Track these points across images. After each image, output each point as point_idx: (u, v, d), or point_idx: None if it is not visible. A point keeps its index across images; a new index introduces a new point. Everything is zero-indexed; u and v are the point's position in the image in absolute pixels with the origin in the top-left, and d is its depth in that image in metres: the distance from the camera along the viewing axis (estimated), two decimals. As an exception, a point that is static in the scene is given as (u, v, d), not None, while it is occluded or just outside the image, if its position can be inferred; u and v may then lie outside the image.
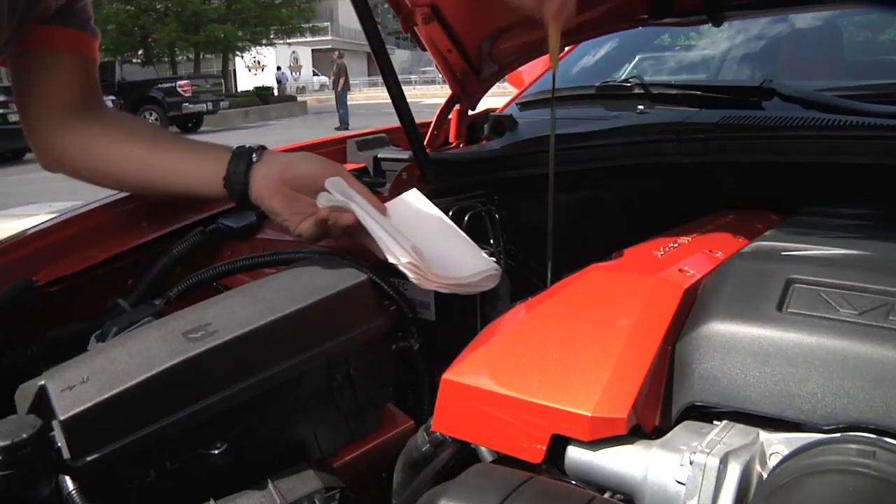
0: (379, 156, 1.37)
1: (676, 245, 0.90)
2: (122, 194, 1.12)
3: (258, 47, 26.60)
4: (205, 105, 18.64)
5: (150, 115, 17.87)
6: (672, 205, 1.24)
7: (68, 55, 1.04)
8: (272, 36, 26.03)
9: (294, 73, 36.45)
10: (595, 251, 0.95)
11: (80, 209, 1.09)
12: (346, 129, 16.78)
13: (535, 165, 1.23)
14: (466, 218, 1.12)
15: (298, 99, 27.72)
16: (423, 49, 1.59)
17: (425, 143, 1.58)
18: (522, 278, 1.18)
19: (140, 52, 23.71)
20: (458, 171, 1.25)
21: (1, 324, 0.85)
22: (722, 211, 1.10)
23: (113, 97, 16.08)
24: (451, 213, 1.08)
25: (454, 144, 1.69)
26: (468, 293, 0.91)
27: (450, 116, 1.67)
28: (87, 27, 1.07)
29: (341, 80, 17.22)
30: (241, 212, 1.12)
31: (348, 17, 47.59)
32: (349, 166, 1.42)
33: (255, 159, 0.96)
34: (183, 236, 1.06)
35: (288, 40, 27.86)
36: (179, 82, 18.49)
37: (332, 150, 1.46)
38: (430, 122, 1.66)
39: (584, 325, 0.72)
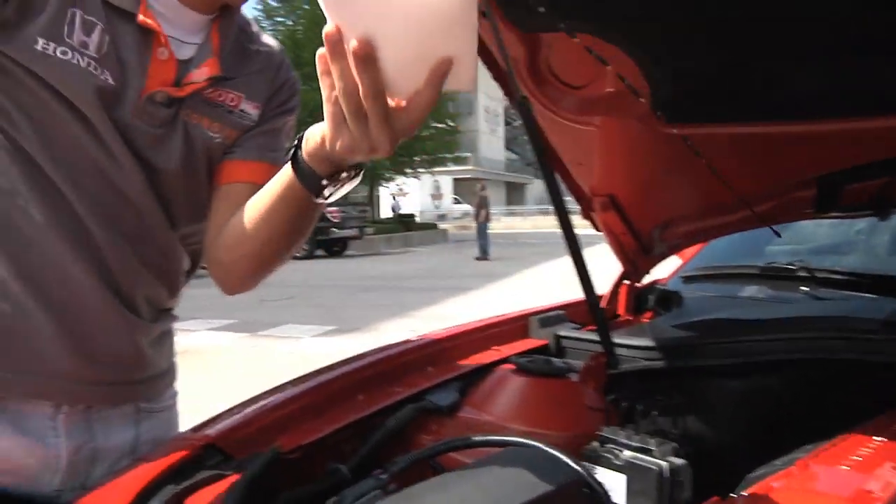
0: (560, 334, 1.49)
1: (861, 457, 0.95)
2: (338, 372, 1.28)
3: (403, 177, 27.88)
4: (351, 231, 19.62)
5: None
6: (846, 397, 1.29)
7: (245, 185, 1.11)
8: (417, 167, 27.22)
9: (435, 202, 37.87)
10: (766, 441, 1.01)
11: (302, 386, 1.25)
12: (487, 258, 17.16)
13: (718, 356, 1.31)
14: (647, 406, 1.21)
15: (439, 227, 28.66)
16: (598, 230, 1.73)
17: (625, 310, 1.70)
18: (703, 466, 1.25)
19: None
20: (642, 357, 1.34)
21: (252, 491, 1.00)
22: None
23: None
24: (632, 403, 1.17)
25: (622, 318, 1.80)
26: None
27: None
28: (266, 157, 1.15)
29: (483, 212, 17.75)
30: (446, 390, 1.25)
31: (488, 148, 49.34)
32: (532, 342, 1.55)
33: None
34: (394, 410, 1.20)
35: (432, 170, 29.06)
36: (329, 208, 19.59)
37: (514, 327, 1.59)
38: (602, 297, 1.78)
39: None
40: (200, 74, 1.07)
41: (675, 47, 1.29)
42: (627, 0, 1.26)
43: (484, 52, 1.37)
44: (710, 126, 1.36)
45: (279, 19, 25.44)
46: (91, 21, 1.00)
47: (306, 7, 24.27)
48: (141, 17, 1.02)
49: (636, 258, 1.69)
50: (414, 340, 1.46)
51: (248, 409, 1.16)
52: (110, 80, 1.01)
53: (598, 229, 1.71)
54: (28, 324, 1.03)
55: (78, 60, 0.98)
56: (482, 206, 17.99)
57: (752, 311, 1.52)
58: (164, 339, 1.22)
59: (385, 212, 32.14)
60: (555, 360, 1.29)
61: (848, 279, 1.56)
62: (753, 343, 1.34)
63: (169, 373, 1.25)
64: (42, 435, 1.08)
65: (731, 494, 0.76)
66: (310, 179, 0.89)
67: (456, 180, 41.22)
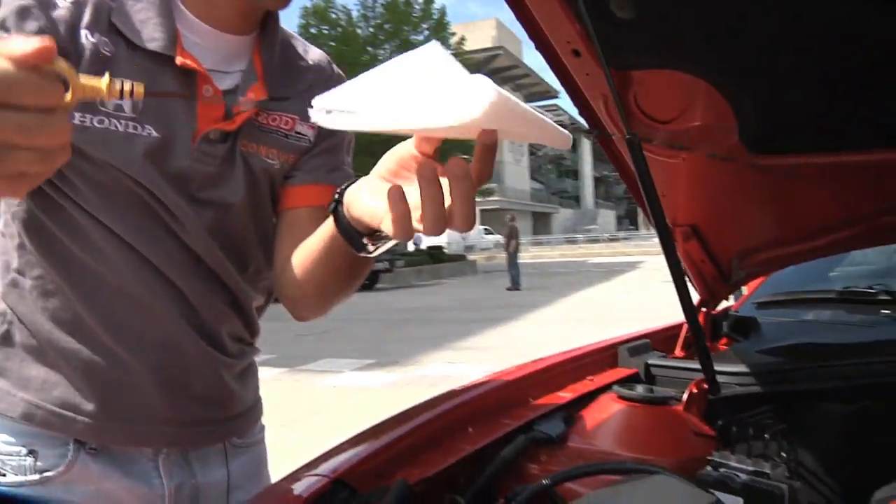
0: (650, 362, 1.52)
1: None
2: (447, 406, 1.31)
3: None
4: (382, 264, 19.71)
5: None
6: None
7: (307, 209, 1.11)
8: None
9: (463, 234, 37.90)
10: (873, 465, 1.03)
11: (415, 421, 1.28)
12: (518, 288, 17.16)
13: (817, 380, 1.34)
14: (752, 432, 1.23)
15: (468, 258, 28.70)
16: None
17: (680, 347, 1.72)
18: (809, 494, 1.26)
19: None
20: (736, 383, 1.37)
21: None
22: None
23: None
24: (737, 428, 1.19)
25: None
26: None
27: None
28: (326, 178, 1.13)
29: (513, 242, 17.79)
30: (552, 420, 1.28)
31: (514, 179, 49.45)
32: (622, 371, 1.58)
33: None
34: (505, 442, 1.23)
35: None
36: (360, 243, 19.70)
37: (603, 357, 1.62)
38: (677, 325, 1.80)
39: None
40: (248, 102, 1.04)
41: (762, 80, 1.33)
42: (715, 36, 1.30)
43: (575, 91, 1.42)
44: (797, 157, 1.39)
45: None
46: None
47: (342, 26, 24.57)
48: (180, 60, 0.99)
49: (714, 285, 1.72)
50: (508, 372, 1.49)
51: (368, 444, 1.19)
52: (154, 134, 0.99)
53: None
54: (122, 373, 1.05)
55: (116, 126, 0.97)
56: (512, 236, 18.03)
57: (839, 335, 1.54)
58: (249, 374, 1.24)
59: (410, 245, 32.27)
60: (655, 387, 1.31)
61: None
62: (852, 366, 1.36)
63: (256, 407, 1.27)
64: (146, 477, 1.10)
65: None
66: (352, 237, 0.88)
67: (482, 211, 41.39)
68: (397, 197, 0.69)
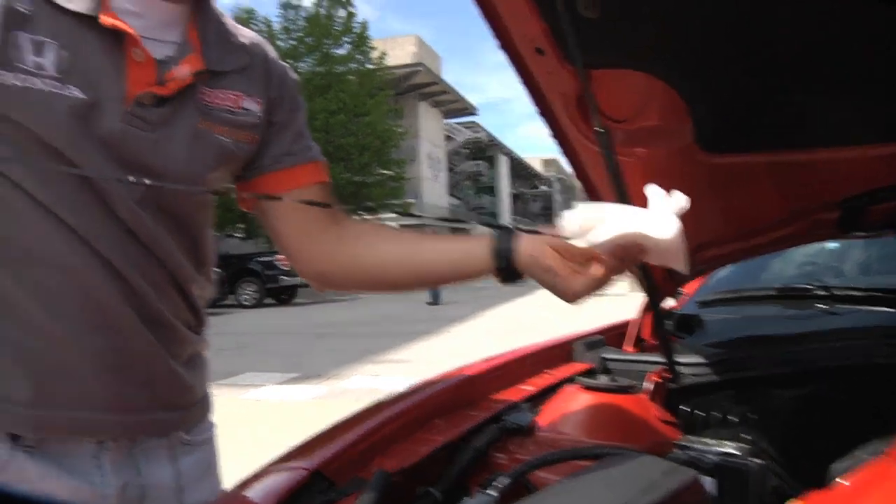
0: (606, 356, 1.56)
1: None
2: (413, 400, 1.30)
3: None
4: (300, 278, 19.43)
5: (249, 286, 18.85)
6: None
7: (306, 189, 1.15)
8: (362, 213, 27.21)
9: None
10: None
11: (383, 413, 1.27)
12: (438, 303, 17.21)
13: (766, 366, 1.40)
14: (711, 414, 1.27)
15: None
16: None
17: (631, 342, 1.77)
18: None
19: (242, 226, 25.16)
20: (692, 374, 1.41)
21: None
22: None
23: (215, 269, 17.05)
24: (701, 414, 1.23)
25: (647, 343, 1.86)
26: None
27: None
28: (309, 156, 1.18)
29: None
30: (519, 411, 1.29)
31: (432, 194, 49.59)
32: (579, 366, 1.60)
33: (515, 235, 1.06)
34: (474, 433, 1.24)
35: (377, 216, 29.14)
36: (277, 256, 19.47)
37: (558, 353, 1.64)
38: (622, 324, 1.85)
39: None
40: (183, 71, 1.01)
41: (717, 81, 1.38)
42: (674, 37, 1.35)
43: (534, 89, 1.44)
44: (747, 155, 1.45)
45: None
46: (40, 40, 0.93)
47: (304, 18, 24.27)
48: (104, 19, 0.95)
49: (663, 284, 1.77)
50: (468, 367, 1.50)
51: (340, 438, 1.18)
52: (80, 95, 0.94)
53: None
54: (58, 356, 0.99)
55: (36, 85, 0.92)
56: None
57: (781, 327, 1.61)
58: (197, 364, 1.19)
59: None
60: (618, 378, 1.34)
61: (867, 295, 1.66)
62: (798, 352, 1.42)
63: (205, 401, 1.22)
64: (87, 474, 1.03)
65: (839, 481, 0.80)
66: (511, 277, 1.05)
67: (401, 227, 41.36)
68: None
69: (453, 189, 62.36)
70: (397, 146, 27.80)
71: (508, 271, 1.05)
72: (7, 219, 0.96)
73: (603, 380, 1.31)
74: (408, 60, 43.10)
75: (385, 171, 27.06)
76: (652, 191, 1.02)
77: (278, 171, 1.15)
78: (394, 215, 31.17)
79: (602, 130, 1.14)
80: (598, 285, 1.02)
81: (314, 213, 1.15)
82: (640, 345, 1.81)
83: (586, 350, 1.62)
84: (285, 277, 18.88)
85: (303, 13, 26.38)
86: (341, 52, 26.44)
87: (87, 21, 0.95)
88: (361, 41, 26.79)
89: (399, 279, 1.16)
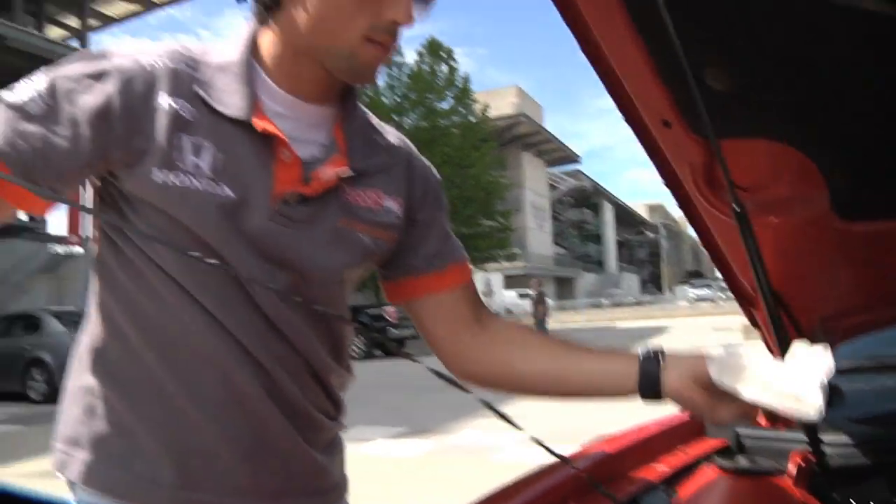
0: (741, 431, 1.49)
1: None
2: (551, 481, 1.28)
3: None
4: (409, 330, 19.63)
5: (357, 338, 19.15)
6: None
7: (452, 291, 1.19)
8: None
9: (486, 298, 37.92)
10: None
11: (522, 496, 1.24)
12: (546, 354, 17.01)
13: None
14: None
15: (493, 323, 28.53)
16: (756, 326, 1.74)
17: (765, 415, 1.69)
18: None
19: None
20: (845, 455, 1.33)
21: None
22: None
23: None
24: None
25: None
26: None
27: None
28: (457, 257, 1.21)
29: (541, 308, 17.71)
30: (655, 494, 1.25)
31: (537, 244, 49.53)
32: (712, 442, 1.54)
33: (662, 362, 1.05)
34: None
35: (483, 266, 29.17)
36: (386, 308, 19.75)
37: (688, 426, 1.58)
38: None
39: None
40: (328, 173, 1.05)
41: (854, 147, 1.33)
42: (808, 106, 1.31)
43: (661, 160, 1.42)
44: (887, 221, 1.38)
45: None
46: (199, 143, 1.00)
47: (368, 95, 24.96)
48: (256, 123, 1.01)
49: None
50: (598, 445, 1.46)
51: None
52: (230, 193, 1.00)
53: (756, 325, 1.72)
54: (201, 441, 1.03)
55: (194, 184, 0.99)
56: (539, 301, 17.97)
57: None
58: (336, 449, 1.21)
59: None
60: (758, 458, 1.28)
61: None
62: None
63: (342, 484, 1.23)
64: None
65: None
66: (656, 398, 1.05)
67: (507, 276, 41.36)
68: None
69: (558, 238, 62.10)
70: (502, 198, 27.92)
71: (655, 399, 1.06)
72: (158, 307, 1.02)
73: (742, 462, 1.25)
74: (509, 111, 43.55)
75: (490, 223, 27.17)
76: (799, 349, 1.01)
77: (428, 275, 1.18)
78: (500, 265, 31.20)
79: (739, 209, 1.11)
80: (741, 418, 1.04)
81: (462, 312, 1.19)
82: (775, 416, 1.73)
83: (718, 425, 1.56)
84: (394, 330, 19.08)
85: (406, 70, 27.07)
86: (444, 106, 26.93)
87: (241, 125, 1.01)
88: (464, 95, 27.25)
89: (545, 391, 1.17)
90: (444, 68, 27.12)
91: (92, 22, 27.40)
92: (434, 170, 1.25)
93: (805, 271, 1.55)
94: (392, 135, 1.21)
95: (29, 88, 0.97)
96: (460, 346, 1.19)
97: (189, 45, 1.07)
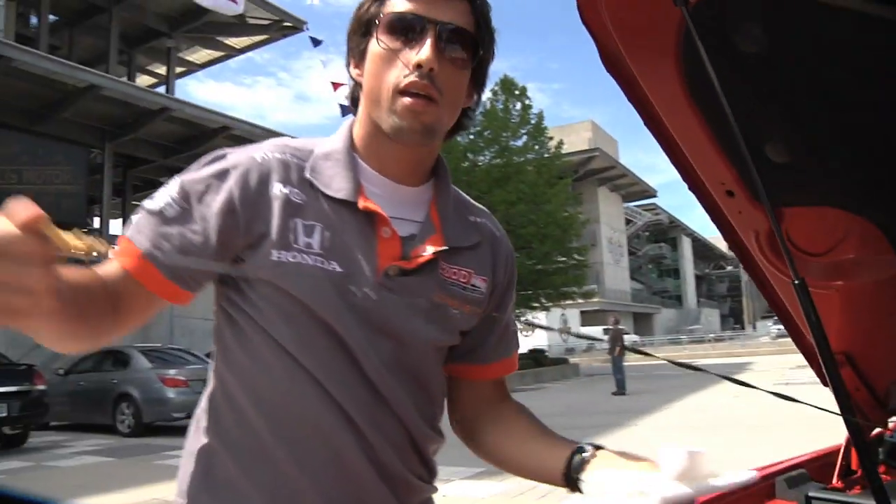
0: (812, 495, 1.50)
1: None
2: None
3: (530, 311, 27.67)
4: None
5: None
6: None
7: (481, 382, 1.29)
8: (544, 301, 27.03)
9: (563, 336, 37.54)
10: None
11: None
12: (624, 393, 16.74)
13: None
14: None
15: (570, 361, 28.26)
16: (826, 385, 1.74)
17: (837, 476, 1.69)
18: None
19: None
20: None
21: None
22: None
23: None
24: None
25: (858, 474, 1.77)
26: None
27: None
28: (512, 349, 1.32)
29: (618, 346, 17.45)
30: None
31: (613, 279, 48.91)
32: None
33: (587, 456, 1.07)
34: None
35: (560, 303, 28.91)
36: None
37: (757, 488, 1.59)
38: (831, 451, 1.77)
39: None
40: (427, 249, 1.14)
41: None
42: (869, 174, 1.34)
43: (726, 227, 1.47)
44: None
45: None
46: (311, 225, 1.11)
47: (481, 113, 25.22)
48: (362, 204, 1.11)
49: (870, 412, 1.69)
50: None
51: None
52: (338, 268, 1.10)
53: (825, 383, 1.72)
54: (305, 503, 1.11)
55: (306, 260, 1.09)
56: (616, 339, 17.73)
57: None
58: None
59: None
60: (827, 525, 1.29)
61: None
62: None
63: None
64: None
65: None
66: (575, 487, 1.07)
67: (583, 313, 40.92)
68: None
69: (635, 273, 61.19)
70: (578, 234, 27.68)
71: (574, 486, 1.08)
72: (269, 376, 1.12)
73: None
74: (584, 146, 43.36)
75: (566, 259, 26.97)
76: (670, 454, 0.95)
77: (489, 364, 1.28)
78: (576, 302, 30.86)
79: (798, 281, 1.14)
80: None
81: (492, 395, 1.29)
82: (848, 478, 1.72)
83: (789, 487, 1.56)
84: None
85: (480, 108, 27.22)
86: (519, 143, 26.98)
87: (347, 205, 1.13)
88: (538, 132, 27.25)
89: (514, 470, 1.24)
90: (518, 105, 27.23)
91: (178, 69, 28.67)
92: (513, 252, 1.34)
93: (874, 331, 1.57)
94: (478, 212, 1.31)
95: (164, 195, 1.11)
96: (472, 421, 1.29)
97: (291, 140, 1.20)
